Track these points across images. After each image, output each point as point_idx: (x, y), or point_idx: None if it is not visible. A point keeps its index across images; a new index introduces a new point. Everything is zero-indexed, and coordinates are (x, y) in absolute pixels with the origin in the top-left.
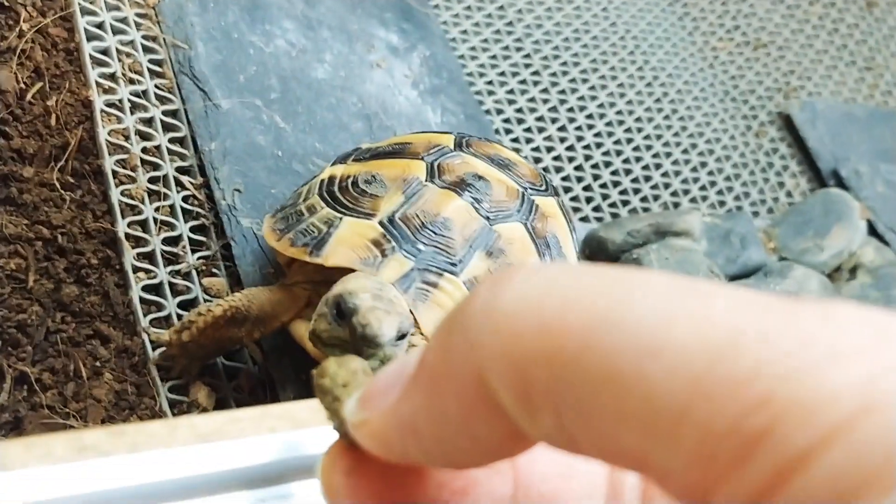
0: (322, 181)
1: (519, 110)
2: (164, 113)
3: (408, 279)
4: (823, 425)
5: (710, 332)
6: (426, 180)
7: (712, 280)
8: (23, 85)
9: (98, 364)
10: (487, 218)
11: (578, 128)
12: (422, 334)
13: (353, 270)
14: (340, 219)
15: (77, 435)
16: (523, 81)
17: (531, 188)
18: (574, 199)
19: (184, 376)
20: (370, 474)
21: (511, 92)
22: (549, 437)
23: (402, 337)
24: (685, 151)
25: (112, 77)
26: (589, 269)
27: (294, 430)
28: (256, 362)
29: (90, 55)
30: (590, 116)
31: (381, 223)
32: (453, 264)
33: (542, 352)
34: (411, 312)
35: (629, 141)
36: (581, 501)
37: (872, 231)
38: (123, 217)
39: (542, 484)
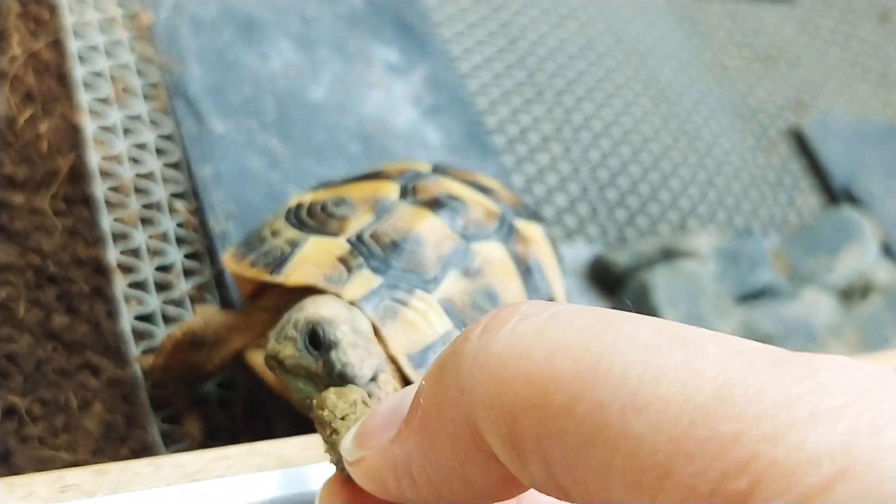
0: (290, 208)
1: (523, 130)
2: (158, 137)
3: (375, 295)
4: (800, 490)
5: (695, 389)
6: (398, 200)
7: (714, 305)
8: (14, 110)
9: (89, 395)
10: (464, 237)
11: (584, 147)
12: (388, 354)
13: (317, 291)
14: (305, 238)
15: (59, 475)
16: (527, 100)
17: (512, 212)
18: (579, 220)
19: (175, 402)
20: None
21: (515, 111)
22: (538, 484)
23: (373, 378)
24: (693, 170)
25: (104, 101)
26: (579, 313)
27: (281, 468)
28: (251, 391)
29: (82, 79)
30: (595, 135)
31: (348, 240)
32: (426, 282)
33: (531, 401)
34: (377, 333)
35: (635, 160)
36: None
37: (885, 251)
38: (115, 244)
39: None
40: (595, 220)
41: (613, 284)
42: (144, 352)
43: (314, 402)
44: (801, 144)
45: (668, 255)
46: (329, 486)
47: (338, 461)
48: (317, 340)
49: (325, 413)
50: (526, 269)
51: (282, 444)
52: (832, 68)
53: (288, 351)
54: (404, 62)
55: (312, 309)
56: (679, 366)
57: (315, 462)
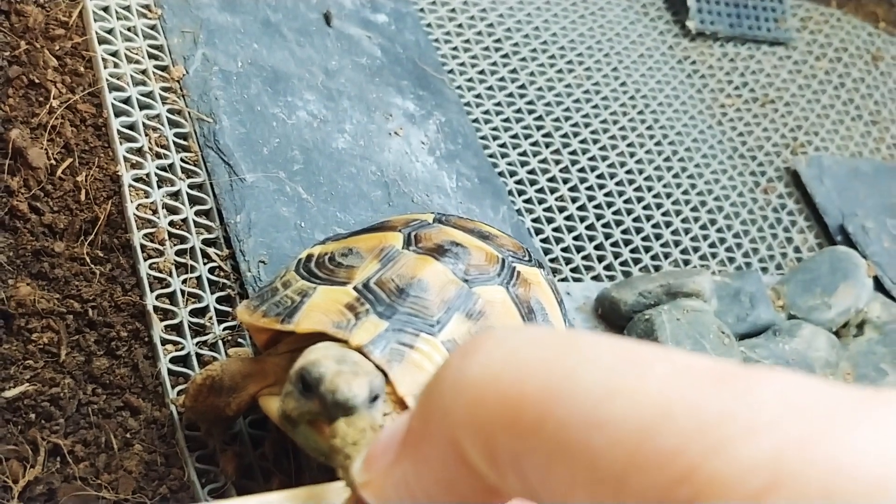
0: (300, 260)
1: (531, 172)
2: (191, 186)
3: (382, 339)
4: (735, 500)
5: (644, 407)
6: (403, 248)
7: (717, 343)
8: (53, 161)
9: (128, 435)
10: (466, 281)
11: (590, 188)
12: (395, 396)
13: (327, 339)
14: (314, 288)
15: None
16: (535, 143)
17: (512, 257)
18: (586, 258)
19: (210, 442)
20: None
21: (524, 154)
22: (518, 493)
23: (374, 399)
24: (694, 209)
25: (139, 151)
26: (546, 337)
27: None
28: (281, 430)
29: (118, 130)
30: (601, 176)
31: (355, 288)
32: (431, 325)
33: (504, 421)
34: (384, 373)
35: (639, 200)
36: None
37: (879, 287)
38: (152, 290)
39: None
40: (601, 258)
41: (620, 321)
42: (180, 393)
43: (328, 431)
44: (798, 183)
45: (673, 294)
46: None
47: (351, 483)
48: (307, 383)
49: (338, 441)
50: (528, 310)
51: (321, 490)
52: (827, 108)
53: (290, 404)
54: (421, 110)
55: (301, 360)
56: (630, 385)
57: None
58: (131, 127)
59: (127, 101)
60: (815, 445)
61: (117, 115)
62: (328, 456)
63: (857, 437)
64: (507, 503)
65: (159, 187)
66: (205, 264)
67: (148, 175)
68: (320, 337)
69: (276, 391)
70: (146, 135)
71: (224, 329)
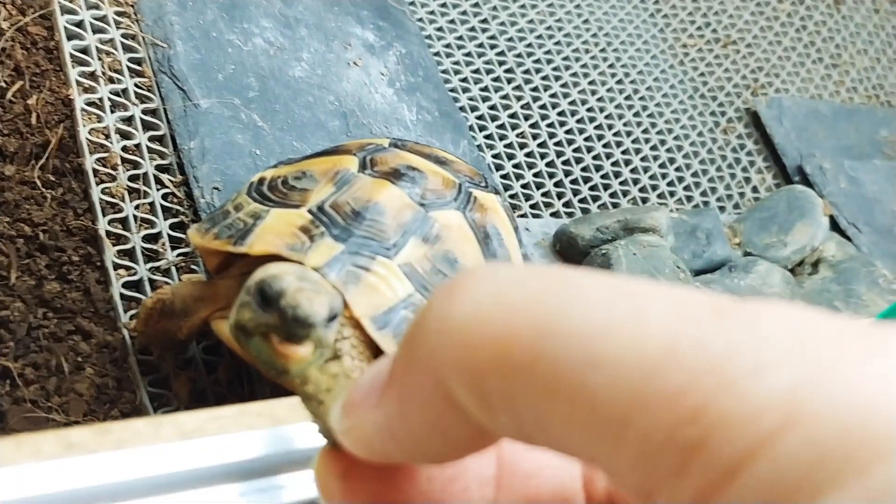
0: (252, 183)
1: (493, 107)
2: (144, 111)
3: (338, 262)
4: (748, 439)
5: (645, 344)
6: (358, 172)
7: (673, 278)
8: (3, 83)
9: (80, 359)
10: (422, 205)
11: (551, 125)
12: (352, 318)
13: (280, 261)
14: (267, 211)
15: (65, 433)
16: (497, 78)
17: (469, 182)
18: (545, 194)
19: (162, 366)
20: (363, 475)
21: (485, 89)
22: (509, 434)
23: (332, 318)
24: (654, 148)
25: (92, 76)
26: (533, 274)
27: (273, 426)
28: (234, 356)
29: (70, 54)
30: (562, 113)
31: (309, 211)
32: (387, 248)
33: (494, 362)
34: (340, 294)
35: (600, 138)
36: (561, 472)
37: (835, 226)
38: (104, 215)
39: (525, 461)
40: (561, 194)
41: (578, 256)
42: (132, 318)
43: (297, 379)
44: (757, 124)
45: (630, 229)
46: (322, 457)
47: (326, 431)
48: (267, 297)
49: (310, 387)
50: (484, 235)
51: (272, 405)
52: (788, 50)
53: (246, 315)
54: (381, 41)
55: (261, 273)
56: (628, 321)
57: (303, 421)
58: (84, 51)
59: (80, 24)
60: (829, 381)
61: (69, 38)
62: (280, 374)
63: (871, 371)
64: (495, 444)
65: (112, 112)
66: (158, 190)
67: (101, 99)
68: (273, 260)
69: (227, 314)
70: (99, 59)
71: (177, 255)
